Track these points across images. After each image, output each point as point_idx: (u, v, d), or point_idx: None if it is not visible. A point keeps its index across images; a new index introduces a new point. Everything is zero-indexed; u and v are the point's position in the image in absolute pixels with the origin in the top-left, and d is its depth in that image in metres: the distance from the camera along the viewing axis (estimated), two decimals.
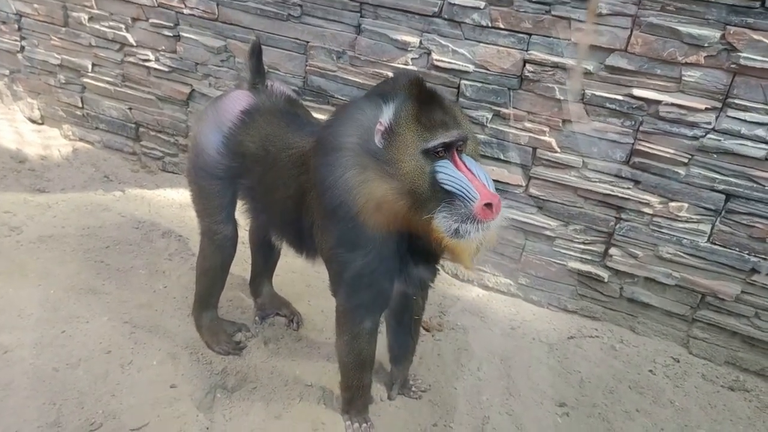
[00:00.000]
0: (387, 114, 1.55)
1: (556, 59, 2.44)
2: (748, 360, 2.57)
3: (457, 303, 2.80)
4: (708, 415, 2.33)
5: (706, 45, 2.21)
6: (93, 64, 3.53)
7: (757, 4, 2.11)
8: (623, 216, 2.58)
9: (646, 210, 2.52)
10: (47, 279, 2.47)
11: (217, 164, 2.00)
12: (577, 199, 2.63)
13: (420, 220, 1.53)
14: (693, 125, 2.33)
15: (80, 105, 3.69)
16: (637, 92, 2.37)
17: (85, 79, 3.58)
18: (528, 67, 2.50)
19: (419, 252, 1.71)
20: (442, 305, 2.76)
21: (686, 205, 2.45)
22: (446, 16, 2.58)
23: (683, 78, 2.29)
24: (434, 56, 2.65)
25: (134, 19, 3.29)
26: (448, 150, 1.55)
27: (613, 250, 2.64)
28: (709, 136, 2.32)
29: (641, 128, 2.42)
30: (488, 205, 1.45)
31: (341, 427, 2.01)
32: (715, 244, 2.47)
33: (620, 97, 2.40)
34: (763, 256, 2.41)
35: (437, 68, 2.66)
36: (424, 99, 1.57)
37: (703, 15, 2.20)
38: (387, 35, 2.71)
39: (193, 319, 2.32)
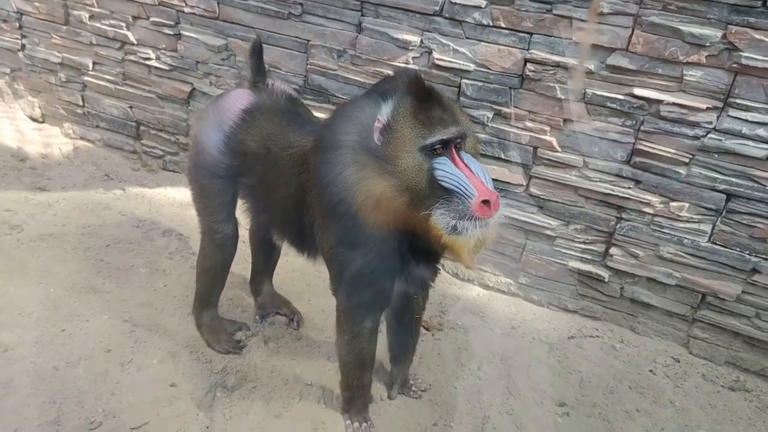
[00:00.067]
0: (386, 111, 1.55)
1: (557, 58, 2.43)
2: (749, 360, 2.57)
3: (458, 302, 2.80)
4: (708, 415, 2.32)
5: (707, 44, 2.21)
6: (94, 63, 3.53)
7: (759, 3, 2.11)
8: (624, 216, 2.58)
9: (647, 210, 2.52)
10: (48, 277, 2.48)
11: (218, 163, 2.00)
12: (577, 198, 2.63)
13: (418, 217, 1.53)
14: (694, 125, 2.33)
15: (81, 103, 3.69)
16: (638, 92, 2.36)
17: (86, 78, 3.59)
18: (529, 66, 2.49)
19: (420, 251, 1.71)
20: (442, 304, 2.76)
21: (687, 204, 2.45)
22: (447, 15, 2.57)
23: (684, 77, 2.29)
24: (435, 55, 2.64)
25: (135, 18, 3.29)
26: (447, 147, 1.55)
27: (613, 250, 2.64)
28: (710, 135, 2.32)
29: (642, 128, 2.42)
30: (486, 202, 1.45)
31: (341, 426, 2.01)
32: (715, 244, 2.47)
33: (621, 97, 2.40)
34: (763, 257, 2.41)
35: (438, 67, 2.66)
36: (422, 96, 1.56)
37: (704, 14, 2.20)
38: (388, 34, 2.70)
39: (194, 318, 2.32)
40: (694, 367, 2.57)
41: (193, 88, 3.32)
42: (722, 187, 2.37)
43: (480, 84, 2.62)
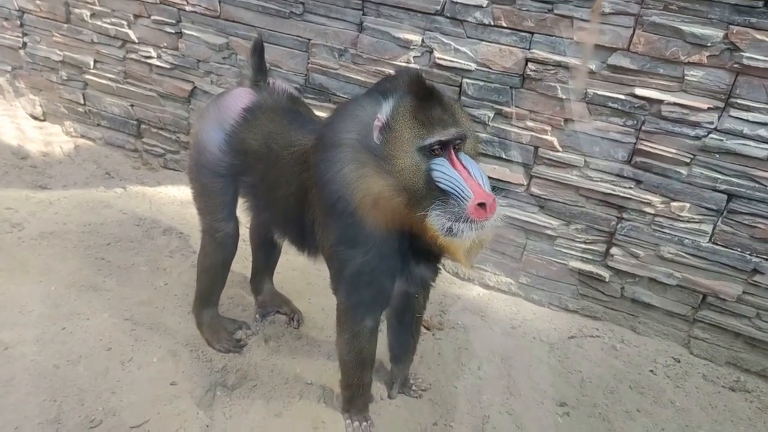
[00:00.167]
0: (386, 110, 1.55)
1: (558, 58, 2.43)
2: (749, 360, 2.56)
3: (458, 302, 2.80)
4: (709, 415, 2.32)
5: (708, 44, 2.20)
6: (95, 61, 3.53)
7: (761, 3, 2.11)
8: (625, 216, 2.57)
9: (648, 210, 2.51)
10: (48, 276, 2.48)
11: (219, 162, 2.00)
12: (578, 198, 2.63)
13: (415, 217, 1.53)
14: (695, 125, 2.33)
15: (82, 102, 3.69)
16: (639, 91, 2.36)
17: (87, 76, 3.59)
18: (530, 65, 2.49)
19: (420, 250, 1.71)
20: (442, 304, 2.76)
21: (688, 205, 2.45)
22: (449, 15, 2.57)
23: (686, 77, 2.29)
24: (436, 54, 2.64)
25: (136, 16, 3.29)
26: (445, 148, 1.55)
27: (614, 250, 2.64)
28: (711, 135, 2.32)
29: (643, 128, 2.41)
30: (482, 205, 1.45)
31: (341, 425, 2.01)
32: (716, 244, 2.47)
33: (622, 97, 2.40)
34: (764, 257, 2.41)
35: (439, 66, 2.66)
36: (422, 96, 1.56)
37: (706, 14, 2.20)
38: (389, 33, 2.70)
39: (194, 317, 2.32)
40: (695, 368, 2.57)
41: (194, 87, 3.32)
42: (723, 187, 2.37)
43: (481, 83, 2.61)
